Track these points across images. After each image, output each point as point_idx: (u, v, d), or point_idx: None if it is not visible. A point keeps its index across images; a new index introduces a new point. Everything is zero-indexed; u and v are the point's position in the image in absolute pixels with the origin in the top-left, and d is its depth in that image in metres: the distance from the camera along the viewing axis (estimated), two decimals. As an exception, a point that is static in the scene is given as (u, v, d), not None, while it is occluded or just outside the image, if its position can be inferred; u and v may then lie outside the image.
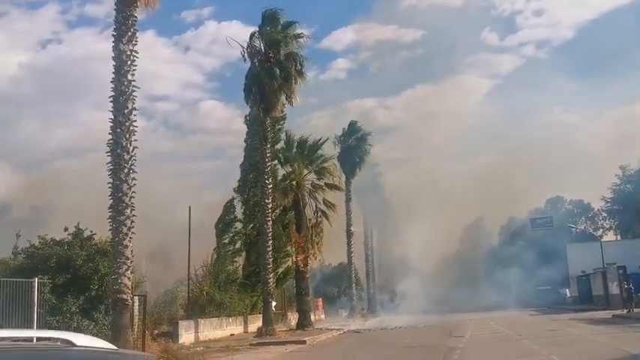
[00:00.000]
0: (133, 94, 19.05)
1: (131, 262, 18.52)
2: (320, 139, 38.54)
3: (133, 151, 18.83)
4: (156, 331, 24.68)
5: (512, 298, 58.51)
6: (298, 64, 32.85)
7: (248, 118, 39.57)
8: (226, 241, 37.27)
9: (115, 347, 6.10)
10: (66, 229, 20.42)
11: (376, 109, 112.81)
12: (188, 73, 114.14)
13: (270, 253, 31.73)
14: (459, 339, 24.38)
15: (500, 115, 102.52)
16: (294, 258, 36.44)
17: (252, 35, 33.07)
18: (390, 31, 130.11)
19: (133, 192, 18.68)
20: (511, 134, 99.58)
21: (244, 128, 40.37)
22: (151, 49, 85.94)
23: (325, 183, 37.11)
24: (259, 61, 32.81)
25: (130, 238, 18.42)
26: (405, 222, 68.39)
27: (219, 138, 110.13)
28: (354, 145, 54.00)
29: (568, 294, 59.93)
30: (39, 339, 6.40)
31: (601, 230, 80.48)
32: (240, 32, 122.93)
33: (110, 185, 18.59)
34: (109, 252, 19.02)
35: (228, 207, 37.97)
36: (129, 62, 19.00)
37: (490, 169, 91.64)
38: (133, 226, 18.51)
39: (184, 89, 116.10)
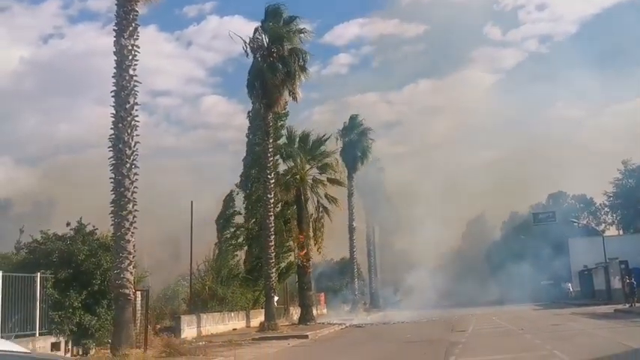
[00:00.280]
0: (135, 89, 19.04)
1: (133, 256, 18.56)
2: (324, 135, 38.60)
3: (135, 146, 18.85)
4: (158, 326, 24.77)
5: (514, 292, 58.56)
6: (301, 60, 32.67)
7: (250, 113, 39.62)
8: (228, 235, 37.35)
9: (28, 350, 5.82)
10: (68, 224, 20.43)
11: (378, 103, 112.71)
12: (190, 68, 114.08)
13: (272, 247, 31.68)
14: (461, 333, 24.36)
15: (503, 109, 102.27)
16: (296, 252, 36.47)
17: (255, 30, 32.98)
18: (392, 25, 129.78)
19: (135, 187, 18.71)
20: (514, 129, 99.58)
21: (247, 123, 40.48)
22: (152, 45, 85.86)
23: (327, 178, 37.13)
24: (262, 56, 32.61)
25: (133, 232, 18.46)
26: (407, 217, 68.44)
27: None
28: (355, 139, 53.84)
29: (570, 288, 59.90)
30: None
31: (603, 225, 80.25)
32: (242, 27, 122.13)
33: (112, 180, 18.61)
34: (112, 247, 19.05)
35: (228, 201, 38.00)
36: (130, 57, 18.97)
37: (492, 164, 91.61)
38: (135, 221, 18.56)
39: (186, 84, 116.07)
